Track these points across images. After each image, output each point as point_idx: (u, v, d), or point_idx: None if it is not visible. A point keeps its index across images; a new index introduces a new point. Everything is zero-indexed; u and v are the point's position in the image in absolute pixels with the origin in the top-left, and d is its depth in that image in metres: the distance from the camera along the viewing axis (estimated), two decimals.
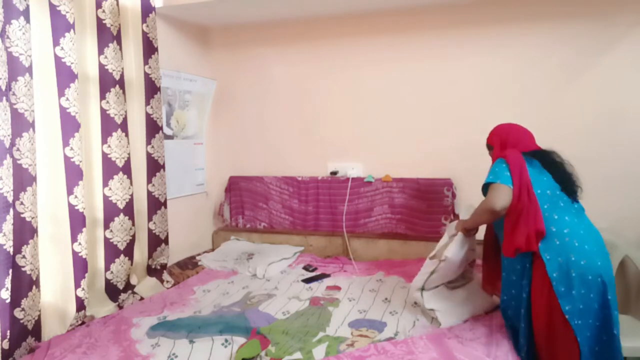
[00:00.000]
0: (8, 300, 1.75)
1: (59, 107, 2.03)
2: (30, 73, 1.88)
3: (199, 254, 3.14)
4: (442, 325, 1.99)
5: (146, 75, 2.55)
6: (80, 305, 2.10)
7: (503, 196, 1.79)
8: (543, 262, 1.76)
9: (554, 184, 1.86)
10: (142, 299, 2.46)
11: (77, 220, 2.09)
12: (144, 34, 2.53)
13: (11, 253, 1.76)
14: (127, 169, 2.39)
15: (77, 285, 2.10)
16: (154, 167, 2.63)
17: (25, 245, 1.86)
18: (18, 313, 1.85)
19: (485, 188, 1.91)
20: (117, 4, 2.34)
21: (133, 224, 2.44)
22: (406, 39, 2.91)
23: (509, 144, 1.97)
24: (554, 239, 1.76)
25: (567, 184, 1.88)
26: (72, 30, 2.04)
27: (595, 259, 1.74)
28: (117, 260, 2.36)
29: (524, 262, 1.84)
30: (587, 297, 1.72)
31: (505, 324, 1.98)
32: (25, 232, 1.86)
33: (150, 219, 2.62)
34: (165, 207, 2.71)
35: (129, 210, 2.40)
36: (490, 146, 2.12)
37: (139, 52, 2.52)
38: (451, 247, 2.03)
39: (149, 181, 2.61)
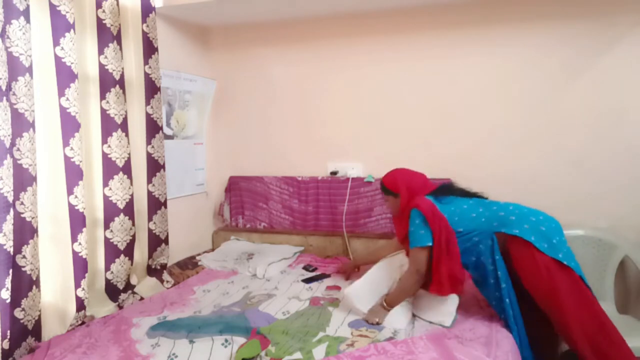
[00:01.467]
0: (8, 300, 1.75)
1: (59, 107, 2.03)
2: (30, 73, 1.88)
3: (199, 254, 3.14)
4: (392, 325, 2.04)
5: (146, 75, 2.55)
6: (80, 305, 2.10)
7: (421, 259, 2.00)
8: (512, 237, 1.93)
9: (464, 199, 2.12)
10: (142, 299, 2.46)
11: (77, 220, 2.09)
12: (144, 34, 2.53)
13: (11, 253, 1.76)
14: (127, 169, 2.39)
15: (77, 285, 2.09)
16: (154, 167, 2.63)
17: (25, 245, 1.86)
18: (18, 313, 1.85)
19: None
20: (117, 4, 2.34)
21: (133, 224, 2.44)
22: (406, 39, 2.92)
23: (415, 190, 2.14)
24: (510, 217, 1.97)
25: (469, 193, 2.16)
26: (72, 30, 2.04)
27: (539, 214, 1.99)
28: (117, 260, 2.36)
29: (486, 241, 1.98)
30: (561, 242, 1.91)
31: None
32: (25, 232, 1.86)
33: (150, 219, 2.62)
34: (165, 207, 2.71)
35: (129, 210, 2.40)
36: (392, 192, 2.21)
37: (139, 52, 2.52)
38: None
39: (149, 181, 2.61)
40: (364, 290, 2.18)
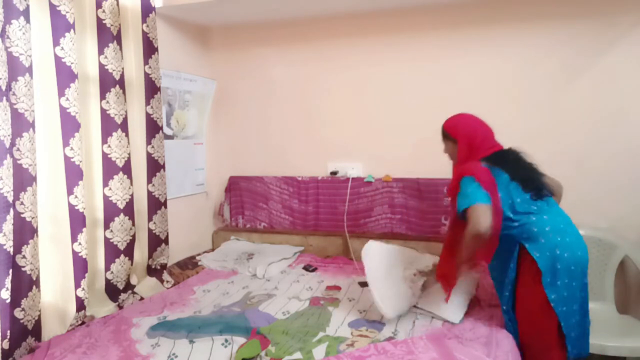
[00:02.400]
0: (8, 300, 1.75)
1: (59, 107, 2.03)
2: (30, 73, 1.88)
3: (199, 254, 3.14)
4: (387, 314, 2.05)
5: (146, 75, 2.55)
6: (80, 305, 2.10)
7: (485, 216, 1.74)
8: (531, 257, 1.84)
9: (522, 191, 1.89)
10: (142, 299, 2.46)
11: (77, 220, 2.09)
12: (144, 34, 2.53)
13: (11, 253, 1.76)
14: (127, 169, 2.39)
15: (77, 285, 2.10)
16: (154, 167, 2.63)
17: (25, 245, 1.86)
18: (18, 313, 1.85)
19: (463, 213, 1.84)
20: (117, 4, 2.34)
21: (133, 224, 2.44)
22: (406, 39, 2.91)
23: (475, 145, 1.95)
24: (540, 239, 1.84)
25: (529, 183, 1.91)
26: (72, 30, 2.04)
27: (576, 250, 1.84)
28: (117, 260, 2.36)
29: (511, 248, 1.89)
30: (570, 285, 1.82)
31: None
32: (25, 232, 1.86)
33: (150, 219, 2.62)
34: (165, 207, 2.71)
35: (129, 210, 2.40)
36: (450, 137, 2.03)
37: (139, 52, 2.52)
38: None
39: (149, 181, 2.61)
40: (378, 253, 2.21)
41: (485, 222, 1.73)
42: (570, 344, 1.84)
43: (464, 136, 1.97)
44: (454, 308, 2.08)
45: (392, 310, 2.05)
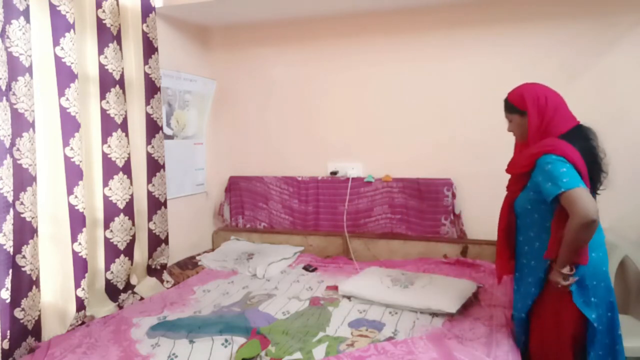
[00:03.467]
0: (8, 300, 1.75)
1: (59, 107, 2.03)
2: (30, 73, 1.88)
3: (199, 254, 3.14)
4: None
5: (146, 75, 2.55)
6: (80, 305, 2.10)
7: (593, 202, 1.52)
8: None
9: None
10: (142, 299, 2.46)
11: (77, 220, 2.09)
12: (144, 34, 2.53)
13: (11, 253, 1.76)
14: (127, 169, 2.39)
15: (77, 285, 2.10)
16: (154, 167, 2.63)
17: (25, 245, 1.86)
18: (18, 313, 1.85)
19: (555, 198, 1.58)
20: (117, 4, 2.34)
21: (133, 224, 2.44)
22: (406, 39, 2.91)
23: (547, 116, 1.68)
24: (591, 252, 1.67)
25: (599, 180, 1.71)
26: (72, 30, 2.04)
27: (601, 266, 1.70)
28: (117, 260, 2.36)
29: (542, 266, 1.74)
30: (598, 304, 1.68)
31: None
32: (25, 232, 1.86)
33: (150, 219, 2.62)
34: (165, 207, 2.71)
35: (129, 210, 2.40)
36: (517, 109, 1.77)
37: (139, 52, 2.52)
38: None
39: (149, 181, 2.61)
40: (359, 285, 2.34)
41: (595, 207, 1.50)
42: None
43: (534, 106, 1.70)
44: (449, 299, 2.09)
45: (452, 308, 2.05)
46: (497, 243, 1.93)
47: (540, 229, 1.74)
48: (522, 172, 1.75)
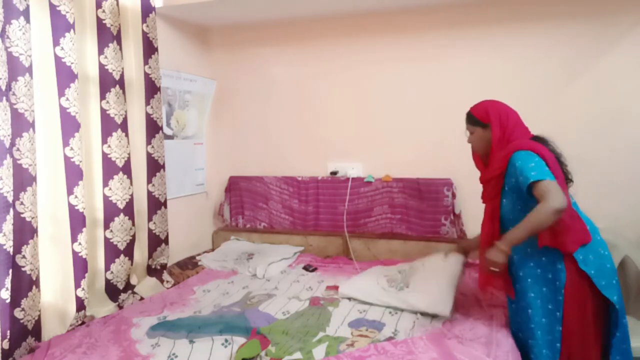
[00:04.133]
0: (8, 300, 1.75)
1: (59, 107, 2.03)
2: (30, 73, 1.88)
3: (199, 254, 3.14)
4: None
5: (146, 75, 2.55)
6: (80, 305, 2.10)
7: (561, 193, 1.60)
8: (574, 260, 1.70)
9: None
10: (142, 299, 2.46)
11: (77, 220, 2.09)
12: (144, 34, 2.53)
13: (11, 253, 1.76)
14: (127, 169, 2.39)
15: (77, 285, 2.10)
16: (154, 167, 2.63)
17: (25, 245, 1.86)
18: (18, 313, 1.85)
19: (529, 188, 1.67)
20: (117, 4, 2.34)
21: (133, 224, 2.44)
22: (406, 39, 2.91)
23: (508, 129, 1.82)
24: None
25: (568, 175, 1.84)
26: (72, 30, 2.04)
27: (606, 246, 1.77)
28: (117, 260, 2.36)
29: (554, 258, 1.74)
30: (618, 285, 1.73)
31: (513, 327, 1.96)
32: (25, 232, 1.86)
33: (150, 219, 2.62)
34: (165, 207, 2.71)
35: (129, 210, 2.40)
36: (480, 123, 1.89)
37: (139, 52, 2.52)
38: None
39: (149, 181, 2.61)
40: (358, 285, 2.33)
41: (563, 198, 1.59)
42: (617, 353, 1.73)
43: (497, 120, 1.84)
44: (439, 301, 2.06)
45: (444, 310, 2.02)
46: (480, 256, 1.91)
47: None
48: (496, 175, 1.83)
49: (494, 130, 1.84)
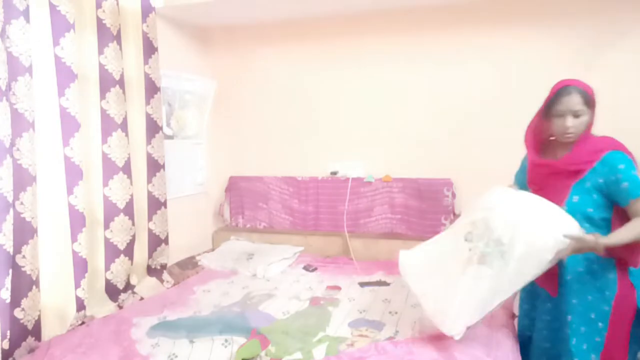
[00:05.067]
0: (8, 300, 1.75)
1: (59, 107, 2.03)
2: (30, 73, 1.88)
3: (199, 254, 3.14)
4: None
5: (146, 75, 2.55)
6: (80, 305, 2.11)
7: None
8: (626, 273, 1.64)
9: None
10: (142, 299, 2.46)
11: (77, 220, 2.09)
12: (144, 34, 2.53)
13: (11, 253, 1.76)
14: (127, 169, 2.39)
15: (77, 285, 2.10)
16: (154, 167, 2.63)
17: (25, 245, 1.86)
18: (18, 313, 1.85)
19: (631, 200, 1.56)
20: (117, 4, 2.34)
21: (133, 224, 2.44)
22: (406, 39, 2.91)
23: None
24: None
25: None
26: (72, 30, 2.04)
27: None
28: (117, 260, 2.36)
29: (607, 266, 1.64)
30: None
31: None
32: (25, 232, 1.86)
33: (150, 219, 2.62)
34: (165, 207, 2.71)
35: (129, 210, 2.41)
36: (593, 105, 1.69)
37: (139, 52, 2.52)
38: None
39: (149, 181, 2.61)
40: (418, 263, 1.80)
41: None
42: None
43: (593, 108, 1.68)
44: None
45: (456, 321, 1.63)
46: None
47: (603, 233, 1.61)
48: (582, 170, 1.64)
49: (593, 117, 1.67)
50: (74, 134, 2.06)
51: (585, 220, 1.63)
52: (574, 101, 1.65)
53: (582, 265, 1.69)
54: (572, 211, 1.62)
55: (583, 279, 1.69)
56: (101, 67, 2.27)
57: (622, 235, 1.54)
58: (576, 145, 1.67)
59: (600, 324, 1.66)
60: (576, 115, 1.65)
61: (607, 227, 1.65)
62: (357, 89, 3.06)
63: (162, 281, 2.66)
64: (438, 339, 1.81)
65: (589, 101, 1.66)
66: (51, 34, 2.00)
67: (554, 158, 1.74)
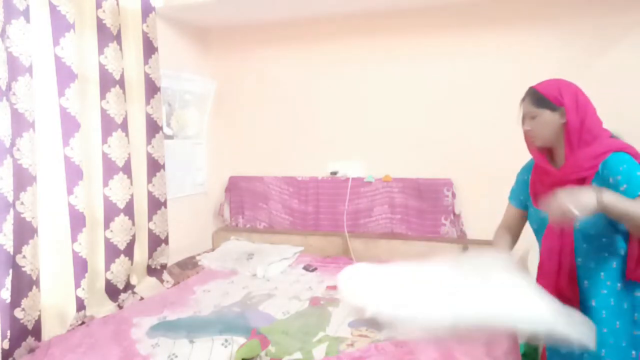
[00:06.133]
0: (8, 300, 1.75)
1: (59, 107, 2.03)
2: (30, 73, 1.89)
3: (199, 254, 3.14)
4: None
5: (146, 75, 2.55)
6: (80, 305, 2.11)
7: None
8: None
9: None
10: (142, 299, 2.46)
11: (77, 220, 2.09)
12: (144, 34, 2.53)
13: (11, 253, 1.76)
14: (127, 169, 2.39)
15: (77, 285, 2.10)
16: (154, 167, 2.63)
17: (25, 245, 1.86)
18: (18, 313, 1.85)
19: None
20: (117, 4, 2.34)
21: (133, 224, 2.44)
22: (406, 39, 2.92)
23: (588, 118, 1.47)
24: None
25: None
26: (72, 30, 2.04)
27: None
28: (117, 260, 2.36)
29: (632, 285, 1.43)
30: None
31: None
32: (25, 232, 1.86)
33: (150, 219, 2.62)
34: (165, 207, 2.71)
35: (129, 210, 2.40)
36: (550, 104, 1.49)
37: (139, 52, 2.52)
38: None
39: (149, 181, 2.61)
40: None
41: None
42: None
43: (573, 104, 1.46)
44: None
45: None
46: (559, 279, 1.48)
47: (614, 251, 1.44)
48: (584, 177, 1.45)
49: (569, 117, 1.46)
50: (74, 134, 2.06)
51: (595, 235, 1.46)
52: (525, 104, 1.56)
53: (604, 286, 1.47)
54: (583, 225, 1.43)
55: (607, 303, 1.46)
56: (101, 67, 2.27)
57: (620, 201, 1.29)
58: (568, 151, 1.50)
59: (634, 352, 1.45)
60: (531, 117, 1.53)
61: (624, 239, 1.44)
62: (357, 89, 3.05)
63: (162, 281, 2.66)
64: (438, 339, 1.81)
65: (539, 100, 1.51)
66: (51, 34, 2.00)
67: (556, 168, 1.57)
